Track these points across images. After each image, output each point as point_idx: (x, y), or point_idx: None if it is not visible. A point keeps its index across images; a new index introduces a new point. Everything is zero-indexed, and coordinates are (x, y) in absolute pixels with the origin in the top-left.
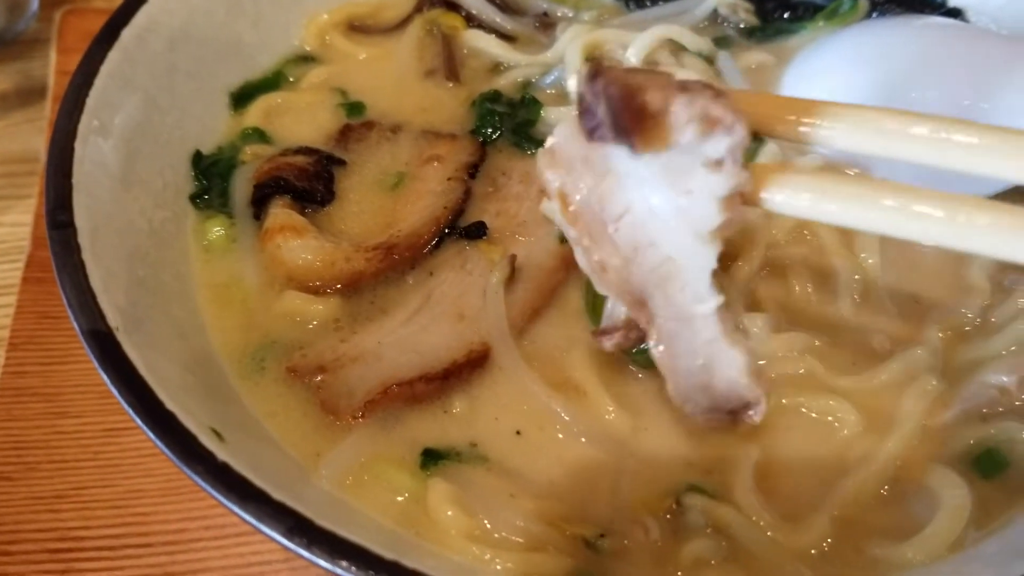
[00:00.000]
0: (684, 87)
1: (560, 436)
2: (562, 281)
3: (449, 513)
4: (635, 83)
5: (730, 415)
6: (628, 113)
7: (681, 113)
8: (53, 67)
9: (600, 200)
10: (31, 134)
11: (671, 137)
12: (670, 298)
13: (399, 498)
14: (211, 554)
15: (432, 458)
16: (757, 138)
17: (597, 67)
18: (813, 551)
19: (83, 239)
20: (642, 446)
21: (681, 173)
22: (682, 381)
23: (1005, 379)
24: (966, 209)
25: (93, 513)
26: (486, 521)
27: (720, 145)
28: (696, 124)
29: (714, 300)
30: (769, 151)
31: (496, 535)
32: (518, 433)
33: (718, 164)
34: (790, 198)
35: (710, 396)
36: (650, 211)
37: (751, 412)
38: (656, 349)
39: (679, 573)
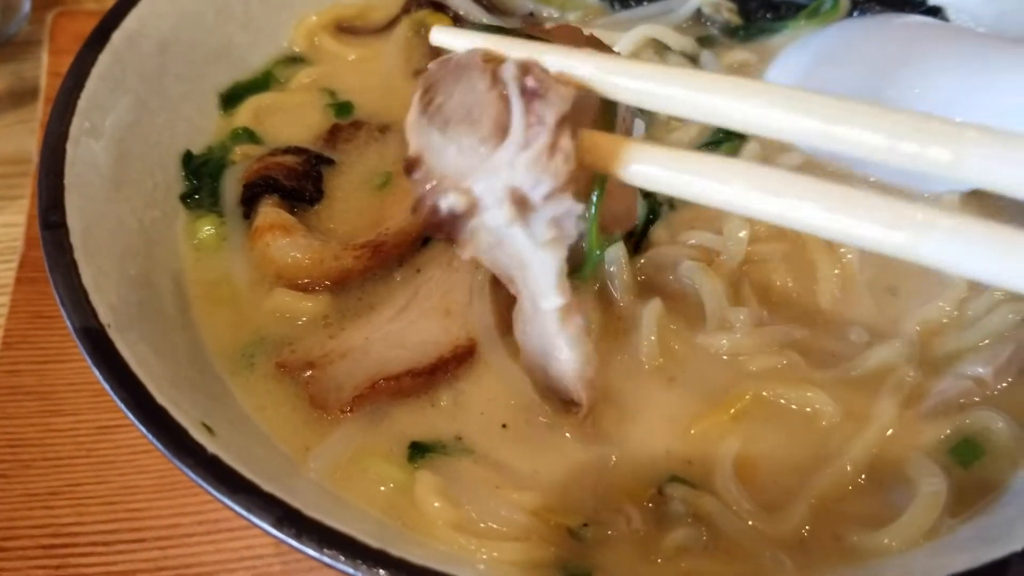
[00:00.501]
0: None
1: (545, 429)
2: None
3: (436, 504)
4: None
5: (562, 403)
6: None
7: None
8: (45, 68)
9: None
10: (23, 135)
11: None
12: (526, 283)
13: (387, 490)
14: (204, 548)
15: (419, 451)
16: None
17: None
18: (792, 539)
19: (75, 239)
20: (625, 438)
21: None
22: (527, 356)
23: (981, 370)
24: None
25: (87, 509)
26: (472, 512)
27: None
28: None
29: (556, 300)
30: (750, 149)
31: (482, 525)
32: (504, 426)
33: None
34: (642, 172)
35: (546, 379)
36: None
37: (575, 410)
38: (516, 321)
39: (659, 560)
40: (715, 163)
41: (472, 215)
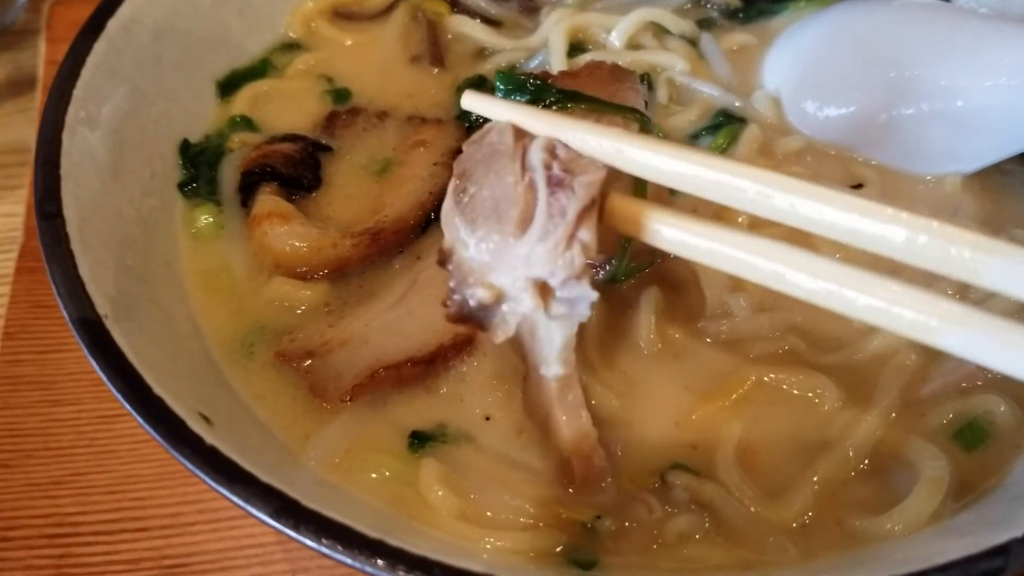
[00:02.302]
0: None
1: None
2: None
3: (439, 493)
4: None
5: (562, 468)
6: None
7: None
8: (42, 57)
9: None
10: (22, 124)
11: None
12: (533, 349)
13: (389, 480)
14: (207, 537)
15: (420, 440)
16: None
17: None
18: (795, 524)
19: (71, 229)
20: (627, 425)
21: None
22: (533, 419)
23: None
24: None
25: (90, 499)
26: (476, 501)
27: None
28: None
29: (557, 370)
30: (750, 132)
31: (487, 514)
32: (504, 415)
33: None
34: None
35: (549, 439)
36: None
37: (569, 481)
38: (524, 383)
39: (663, 547)
40: (736, 235)
41: (499, 304)
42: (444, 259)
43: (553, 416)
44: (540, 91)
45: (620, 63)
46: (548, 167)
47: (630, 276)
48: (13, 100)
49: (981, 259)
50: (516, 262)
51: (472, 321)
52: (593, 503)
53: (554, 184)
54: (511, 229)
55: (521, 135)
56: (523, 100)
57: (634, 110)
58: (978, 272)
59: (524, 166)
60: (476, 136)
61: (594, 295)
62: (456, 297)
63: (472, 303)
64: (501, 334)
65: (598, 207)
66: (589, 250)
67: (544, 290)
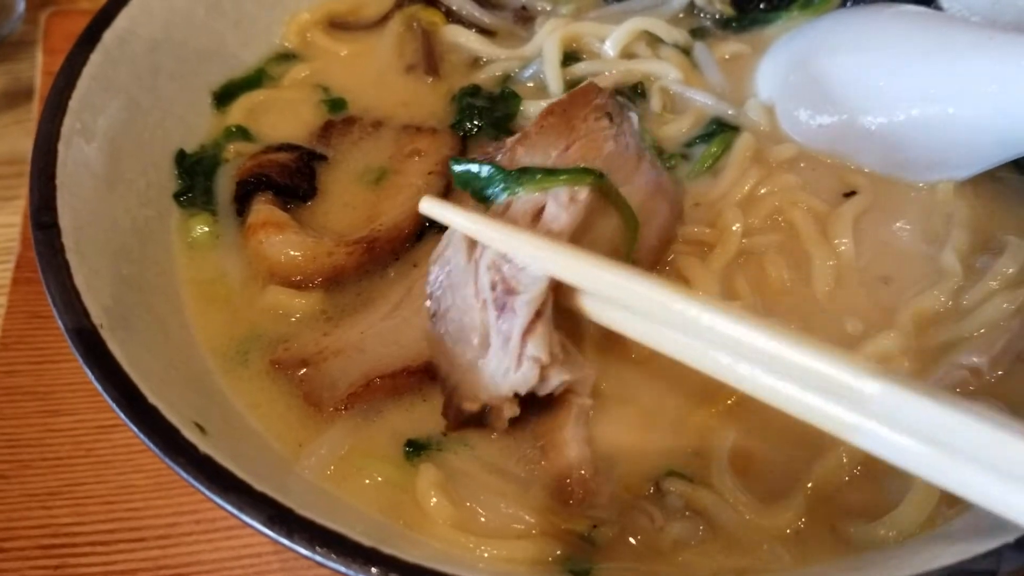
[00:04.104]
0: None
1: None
2: None
3: (435, 500)
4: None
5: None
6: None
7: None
8: (40, 68)
9: None
10: (19, 135)
11: None
12: None
13: (384, 488)
14: (203, 547)
15: (416, 448)
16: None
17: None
18: (789, 531)
19: (67, 239)
20: (621, 433)
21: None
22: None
23: (976, 360)
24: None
25: (86, 509)
26: (472, 509)
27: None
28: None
29: (580, 400)
30: (744, 140)
31: (483, 522)
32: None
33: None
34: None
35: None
36: None
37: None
38: None
39: (658, 554)
40: (676, 318)
41: (488, 413)
42: (432, 375)
43: (560, 441)
44: (488, 182)
45: (596, 80)
46: (494, 288)
47: None
48: (10, 111)
49: None
50: (485, 382)
51: (471, 425)
52: (590, 513)
53: (499, 308)
54: (476, 352)
55: (473, 249)
56: (477, 188)
57: (581, 172)
58: None
59: (477, 287)
60: (437, 250)
61: (564, 378)
62: (452, 407)
63: (466, 413)
64: (500, 427)
65: (547, 315)
66: (541, 361)
67: (521, 395)
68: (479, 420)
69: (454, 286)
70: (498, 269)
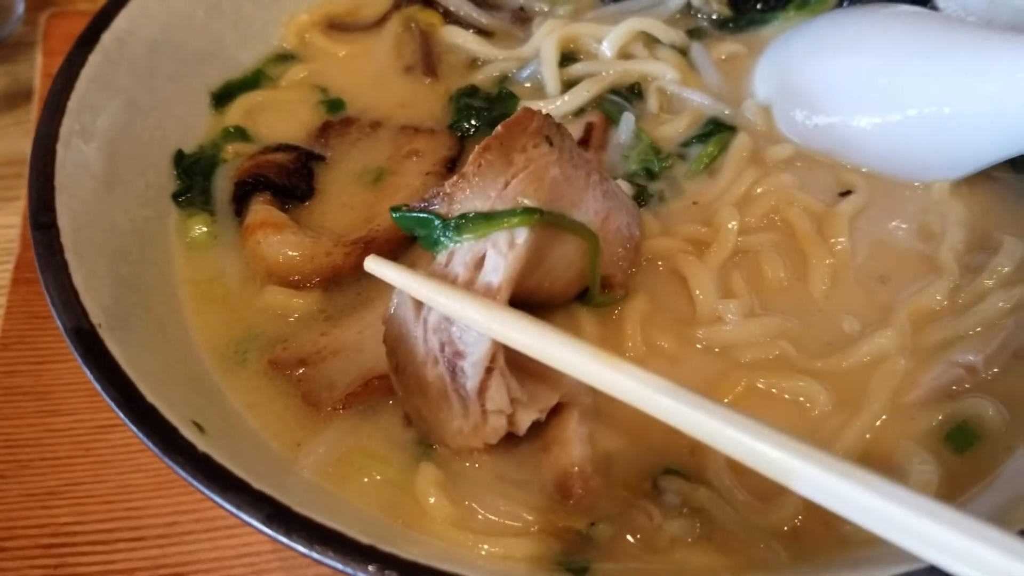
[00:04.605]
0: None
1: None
2: None
3: (434, 499)
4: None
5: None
6: None
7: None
8: (39, 70)
9: None
10: (18, 136)
11: None
12: None
13: (382, 487)
14: (202, 546)
15: (414, 447)
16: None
17: None
18: (785, 528)
19: (66, 239)
20: (619, 432)
21: None
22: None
23: (972, 358)
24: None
25: (85, 508)
26: (471, 508)
27: None
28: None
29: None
30: (740, 140)
31: (481, 520)
32: None
33: None
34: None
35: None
36: None
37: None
38: None
39: (655, 551)
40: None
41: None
42: (408, 423)
43: (561, 441)
44: (431, 231)
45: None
46: (443, 349)
47: (603, 305)
48: (10, 112)
49: None
50: (453, 434)
51: None
52: (588, 511)
53: (449, 371)
54: (438, 406)
55: (420, 308)
56: (422, 237)
57: (518, 213)
58: None
59: (427, 347)
60: (389, 306)
61: (534, 417)
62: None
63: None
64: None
65: (498, 368)
66: (504, 411)
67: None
68: None
69: (407, 343)
70: (444, 331)
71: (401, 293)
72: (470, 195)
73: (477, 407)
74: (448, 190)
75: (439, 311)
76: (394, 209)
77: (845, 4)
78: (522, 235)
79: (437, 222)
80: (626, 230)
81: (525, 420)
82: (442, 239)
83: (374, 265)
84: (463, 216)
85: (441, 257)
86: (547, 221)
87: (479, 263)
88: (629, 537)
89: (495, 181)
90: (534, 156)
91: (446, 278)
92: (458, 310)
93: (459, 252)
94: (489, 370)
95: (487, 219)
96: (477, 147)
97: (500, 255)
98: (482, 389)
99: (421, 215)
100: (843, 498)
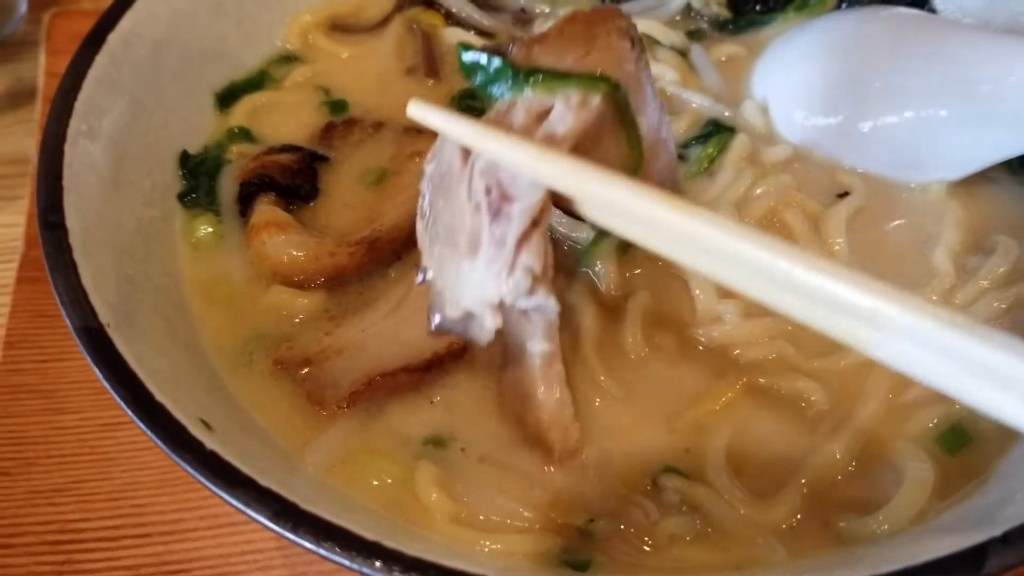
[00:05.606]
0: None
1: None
2: None
3: (434, 496)
4: None
5: (540, 449)
6: None
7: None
8: (42, 69)
9: None
10: (22, 135)
11: None
12: (515, 327)
13: (385, 484)
14: (206, 543)
15: (416, 445)
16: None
17: None
18: (784, 526)
19: (74, 239)
20: (618, 430)
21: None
22: (506, 402)
23: None
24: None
25: (91, 506)
26: (471, 505)
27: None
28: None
29: (540, 346)
30: (740, 141)
31: (481, 517)
32: (497, 421)
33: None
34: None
35: (523, 426)
36: None
37: (549, 456)
38: (501, 367)
39: (654, 549)
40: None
41: (470, 320)
42: (421, 276)
43: (534, 391)
44: (495, 77)
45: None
46: (488, 192)
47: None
48: (13, 111)
49: None
50: (471, 286)
51: (452, 332)
52: (586, 507)
53: (493, 213)
54: (463, 255)
55: (467, 155)
56: (482, 82)
57: (597, 78)
58: None
59: (470, 190)
60: (433, 151)
61: (553, 306)
62: (434, 313)
63: (447, 321)
64: (483, 341)
65: (544, 225)
66: (534, 271)
67: (503, 307)
68: (459, 330)
69: (447, 187)
70: (493, 174)
71: (445, 140)
72: (547, 53)
73: (511, 256)
74: (525, 42)
75: (490, 157)
76: (462, 45)
77: (844, 6)
78: (596, 99)
79: (507, 68)
80: (665, 171)
81: (539, 296)
82: (508, 87)
83: (418, 110)
84: (538, 68)
85: (500, 106)
86: (618, 101)
87: (541, 116)
88: (628, 534)
89: (576, 48)
90: (615, 46)
91: (501, 126)
92: (515, 157)
93: (523, 103)
94: (535, 223)
95: (563, 77)
96: (562, 17)
97: (569, 109)
98: (523, 239)
99: (492, 57)
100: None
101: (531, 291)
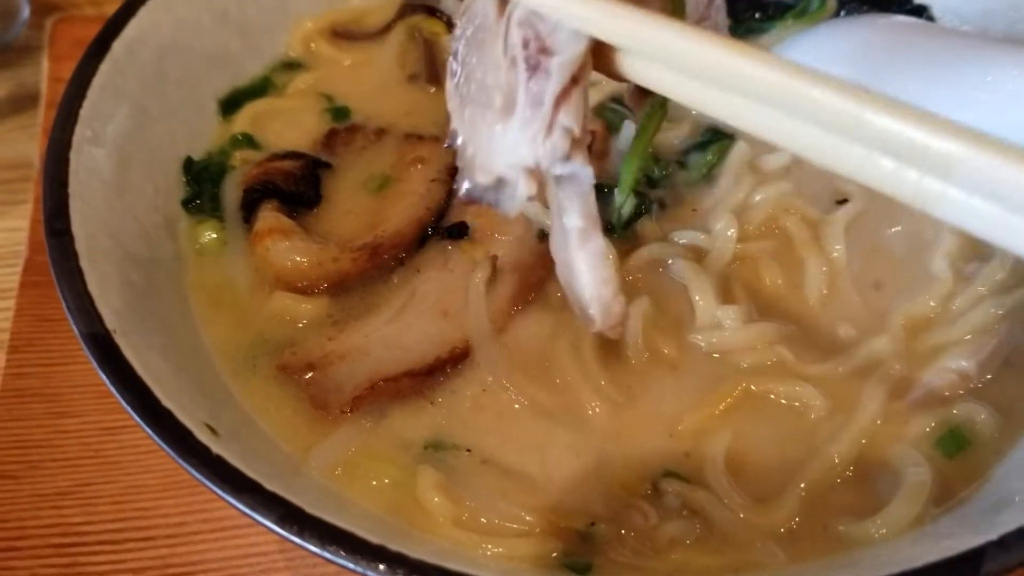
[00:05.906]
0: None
1: (541, 428)
2: (543, 278)
3: (436, 500)
4: None
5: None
6: None
7: None
8: (45, 74)
9: None
10: (24, 140)
11: None
12: (553, 197)
13: (388, 488)
14: (210, 546)
15: (418, 449)
16: None
17: None
18: (782, 529)
19: (79, 245)
20: (619, 434)
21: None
22: (559, 269)
23: (965, 364)
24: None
25: (95, 509)
26: (473, 508)
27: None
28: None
29: (577, 222)
30: (739, 150)
31: (483, 521)
32: (499, 425)
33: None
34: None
35: (572, 292)
36: None
37: (595, 323)
38: (551, 234)
39: (654, 552)
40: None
41: (502, 188)
42: (449, 138)
43: (575, 265)
44: None
45: (594, 88)
46: (526, 45)
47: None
48: (15, 116)
49: None
50: (505, 149)
51: (482, 201)
52: (587, 510)
53: (530, 68)
54: (497, 116)
55: (503, 5)
56: None
57: None
58: None
59: (506, 44)
60: (465, 5)
61: (589, 172)
62: (463, 179)
63: (476, 188)
64: (513, 211)
65: (584, 83)
66: (573, 132)
67: (538, 174)
68: (489, 199)
69: (480, 42)
70: (531, 25)
71: None
72: None
73: (548, 116)
74: None
75: (529, 4)
76: None
77: (843, 14)
78: None
79: None
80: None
81: (577, 161)
82: None
83: None
84: None
85: None
86: None
87: None
88: (628, 538)
89: None
90: None
91: None
92: (555, 3)
93: None
94: (575, 79)
95: None
96: None
97: None
98: (562, 97)
99: None
100: None
101: (568, 156)
